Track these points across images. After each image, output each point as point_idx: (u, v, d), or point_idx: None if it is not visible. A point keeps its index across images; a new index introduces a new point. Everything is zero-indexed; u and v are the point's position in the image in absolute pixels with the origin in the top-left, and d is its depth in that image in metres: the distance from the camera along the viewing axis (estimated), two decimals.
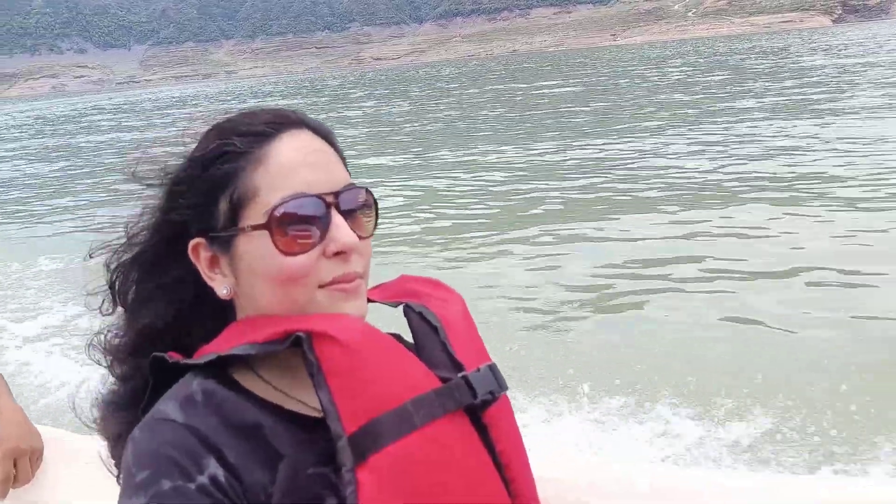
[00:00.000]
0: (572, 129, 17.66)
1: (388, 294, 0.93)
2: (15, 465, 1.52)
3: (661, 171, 11.16)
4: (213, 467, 0.71)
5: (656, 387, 4.15)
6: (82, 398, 0.93)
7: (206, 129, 0.86)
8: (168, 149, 0.87)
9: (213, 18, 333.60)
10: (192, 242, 0.84)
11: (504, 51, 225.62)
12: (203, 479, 0.70)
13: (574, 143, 15.00)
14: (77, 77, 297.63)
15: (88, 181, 17.05)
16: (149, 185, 0.87)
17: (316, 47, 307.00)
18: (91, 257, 0.90)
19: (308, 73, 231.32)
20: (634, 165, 12.02)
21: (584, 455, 3.51)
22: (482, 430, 0.79)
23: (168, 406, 0.76)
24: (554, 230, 8.40)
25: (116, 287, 0.89)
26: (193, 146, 0.86)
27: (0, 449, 1.52)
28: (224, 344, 0.81)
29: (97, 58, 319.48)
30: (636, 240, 7.67)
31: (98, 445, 0.92)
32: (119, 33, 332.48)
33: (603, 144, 14.48)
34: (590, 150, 13.92)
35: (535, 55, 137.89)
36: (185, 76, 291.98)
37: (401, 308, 0.91)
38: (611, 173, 11.47)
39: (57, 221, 12.43)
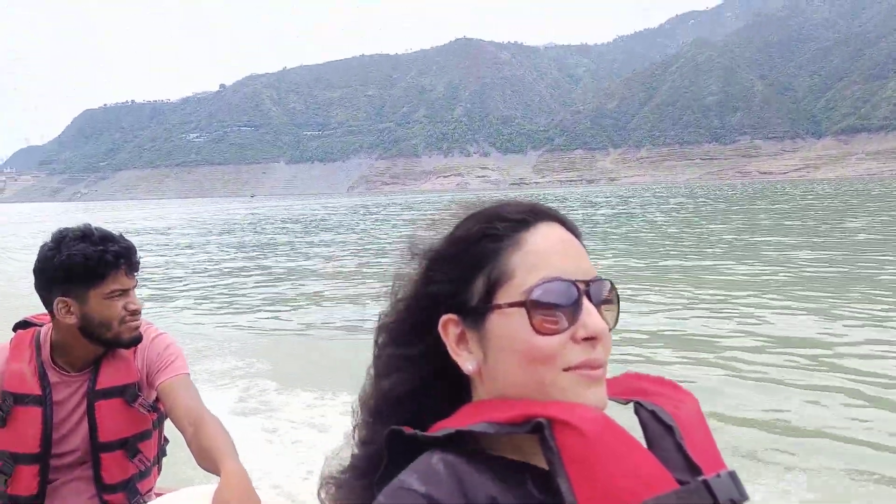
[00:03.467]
0: None
1: (616, 390, 0.92)
2: None
3: None
4: None
5: None
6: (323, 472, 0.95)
7: (468, 215, 0.92)
8: (432, 230, 0.94)
9: (604, 129, 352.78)
10: (443, 318, 0.88)
11: None
12: None
13: None
14: (479, 176, 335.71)
15: None
16: (412, 258, 0.93)
17: (701, 158, 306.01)
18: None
19: (688, 182, 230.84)
20: None
21: None
22: None
23: (411, 477, 0.78)
24: None
25: (374, 351, 0.94)
26: (452, 228, 0.92)
27: None
28: (462, 421, 0.83)
29: (497, 161, 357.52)
30: None
31: None
32: (519, 140, 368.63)
33: None
34: None
35: None
36: (571, 181, 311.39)
37: (629, 406, 0.90)
38: None
39: None
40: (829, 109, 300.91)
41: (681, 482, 0.77)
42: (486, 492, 0.77)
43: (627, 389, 0.93)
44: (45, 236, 1.89)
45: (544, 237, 0.87)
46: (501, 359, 0.85)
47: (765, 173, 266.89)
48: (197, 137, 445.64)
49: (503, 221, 0.89)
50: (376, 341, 0.95)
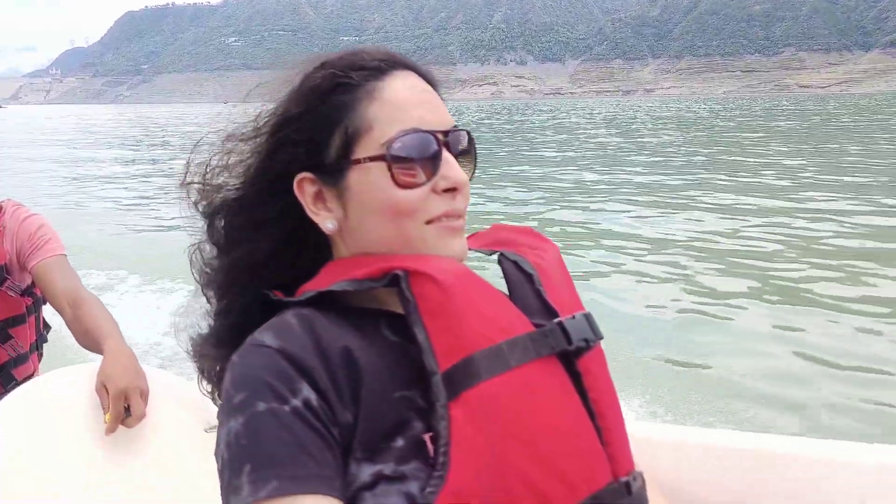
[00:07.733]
0: None
1: (483, 242, 0.94)
2: (127, 404, 1.58)
3: None
4: (307, 391, 0.73)
5: None
6: (183, 329, 0.95)
7: (314, 65, 0.86)
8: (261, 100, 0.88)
9: (644, 38, 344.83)
10: (298, 177, 0.84)
11: None
12: (296, 401, 0.72)
13: None
14: (514, 86, 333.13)
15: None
16: (246, 138, 0.88)
17: (741, 70, 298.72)
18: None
19: (726, 95, 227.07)
20: None
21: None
22: (576, 378, 0.79)
23: (264, 333, 0.78)
24: None
25: (210, 227, 0.91)
26: (298, 83, 0.86)
27: (112, 388, 1.58)
28: (324, 281, 0.83)
29: (534, 69, 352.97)
30: None
31: (199, 385, 0.96)
32: (557, 48, 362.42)
33: None
34: None
35: None
36: (607, 91, 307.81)
37: (494, 257, 0.92)
38: None
39: None
40: (881, 20, 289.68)
41: (538, 326, 0.80)
42: (341, 342, 0.78)
43: (493, 241, 0.94)
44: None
45: (402, 87, 0.84)
46: (364, 215, 0.83)
47: (804, 87, 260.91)
48: (236, 41, 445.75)
49: (357, 70, 0.84)
50: (212, 215, 0.90)
